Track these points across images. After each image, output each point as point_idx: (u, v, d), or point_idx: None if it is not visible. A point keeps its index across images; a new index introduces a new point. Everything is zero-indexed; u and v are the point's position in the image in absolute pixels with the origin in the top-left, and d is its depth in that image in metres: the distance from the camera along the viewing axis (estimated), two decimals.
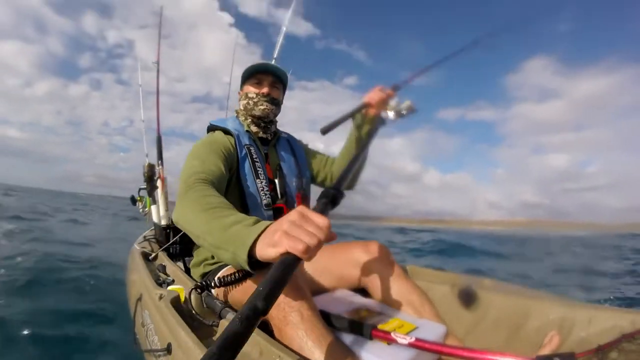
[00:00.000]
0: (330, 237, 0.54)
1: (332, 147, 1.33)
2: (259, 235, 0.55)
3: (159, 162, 2.30)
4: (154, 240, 2.12)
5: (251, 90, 1.10)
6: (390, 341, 0.64)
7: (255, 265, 0.57)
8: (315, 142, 1.36)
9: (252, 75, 1.11)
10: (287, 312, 0.63)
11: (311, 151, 1.28)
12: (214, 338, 0.73)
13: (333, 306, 0.85)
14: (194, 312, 0.82)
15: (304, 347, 0.60)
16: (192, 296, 0.84)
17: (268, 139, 1.14)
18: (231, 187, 0.98)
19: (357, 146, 1.16)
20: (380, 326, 0.72)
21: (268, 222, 0.58)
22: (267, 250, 0.53)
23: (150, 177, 2.27)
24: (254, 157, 1.03)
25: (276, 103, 1.11)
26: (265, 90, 1.08)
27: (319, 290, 1.00)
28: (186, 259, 1.81)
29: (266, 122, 1.12)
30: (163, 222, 2.11)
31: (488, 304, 1.01)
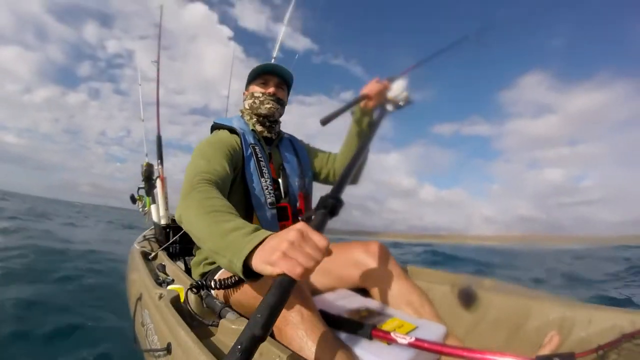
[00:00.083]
0: (328, 255, 0.54)
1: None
2: (256, 246, 0.55)
3: (159, 161, 2.30)
4: (153, 239, 2.12)
5: (257, 90, 1.11)
6: (390, 341, 0.64)
7: (251, 274, 0.57)
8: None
9: (259, 75, 1.12)
10: (287, 312, 0.63)
11: (313, 149, 1.29)
12: (214, 338, 0.73)
13: (333, 306, 0.85)
14: (191, 311, 0.82)
15: (304, 347, 0.60)
16: (190, 296, 0.84)
17: (272, 138, 1.15)
18: (236, 186, 0.99)
19: (358, 140, 1.17)
20: (380, 326, 0.72)
21: (266, 233, 0.58)
22: (263, 267, 0.53)
23: (149, 177, 2.27)
24: (259, 156, 1.04)
25: (281, 103, 1.13)
26: (271, 90, 1.10)
27: (319, 290, 1.00)
28: (186, 258, 1.81)
29: (271, 121, 1.13)
30: (163, 222, 2.11)
31: (488, 304, 1.01)
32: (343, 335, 0.70)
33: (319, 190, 1.24)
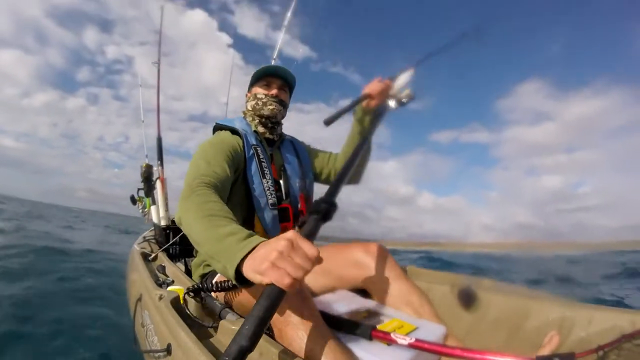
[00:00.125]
0: (318, 264, 0.54)
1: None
2: (248, 253, 0.56)
3: (159, 163, 2.29)
4: (153, 240, 2.12)
5: (260, 91, 1.12)
6: (390, 342, 0.64)
7: (244, 281, 0.57)
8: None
9: (262, 77, 1.13)
10: (287, 312, 0.63)
11: (314, 150, 1.30)
12: (214, 339, 0.73)
13: (333, 307, 0.85)
14: (189, 313, 0.82)
15: (304, 348, 0.60)
16: (187, 299, 0.84)
17: (274, 140, 1.15)
18: (237, 186, 0.99)
19: (360, 139, 1.17)
20: (380, 327, 0.72)
21: (259, 240, 0.58)
22: (253, 275, 0.53)
23: (148, 177, 2.26)
24: (261, 157, 1.04)
25: (284, 105, 1.14)
26: (274, 91, 1.11)
27: (318, 291, 1.00)
28: (187, 259, 1.81)
29: (273, 122, 1.13)
30: (163, 223, 2.11)
31: (488, 304, 1.01)
32: (343, 336, 0.70)
33: (321, 191, 1.25)
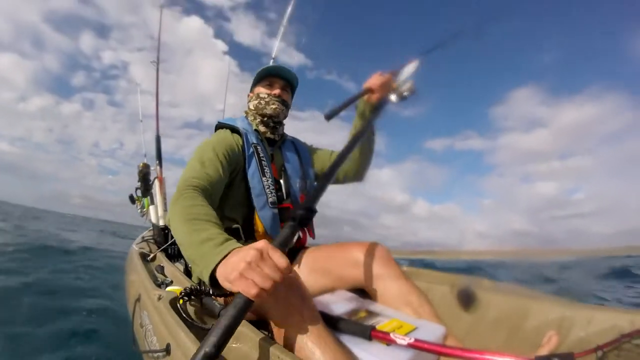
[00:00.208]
0: (287, 274, 0.55)
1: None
2: (222, 259, 0.57)
3: (157, 162, 2.28)
4: (152, 240, 2.12)
5: (263, 91, 1.12)
6: (390, 342, 0.64)
7: (220, 286, 0.58)
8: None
9: (264, 77, 1.14)
10: (286, 312, 0.63)
11: (315, 149, 1.30)
12: None
13: (332, 307, 0.85)
14: (187, 314, 0.82)
15: (304, 348, 0.59)
16: (182, 302, 0.84)
17: (275, 139, 1.15)
18: (237, 185, 0.99)
19: (357, 134, 1.17)
20: (379, 327, 0.71)
21: (232, 246, 0.59)
22: (224, 283, 0.55)
23: (144, 177, 2.24)
24: (261, 155, 1.05)
25: (286, 105, 1.15)
26: (276, 91, 1.12)
27: (318, 291, 0.99)
28: (185, 259, 1.80)
29: (275, 122, 1.14)
30: (161, 223, 2.10)
31: (487, 304, 1.01)
32: (342, 337, 0.70)
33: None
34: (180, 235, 0.68)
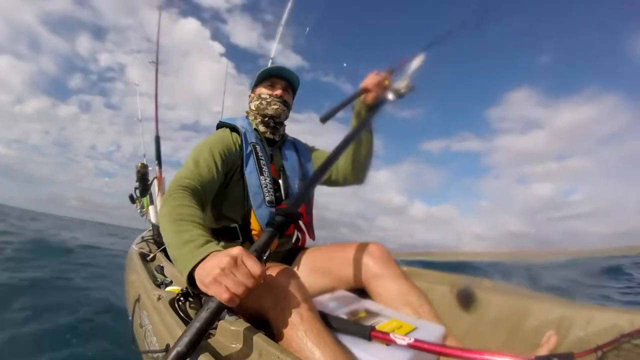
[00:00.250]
0: (260, 281, 0.57)
1: None
2: (201, 261, 0.59)
3: (157, 162, 2.28)
4: (151, 240, 2.11)
5: (264, 91, 1.12)
6: (389, 342, 0.64)
7: (197, 287, 0.60)
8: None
9: (266, 78, 1.14)
10: (286, 312, 0.63)
11: (316, 150, 1.29)
12: (213, 339, 0.73)
13: (332, 307, 0.85)
14: (187, 314, 0.82)
15: (304, 348, 0.60)
16: (182, 302, 0.84)
17: (275, 140, 1.15)
18: (235, 184, 0.99)
19: (350, 134, 1.16)
20: (379, 327, 0.71)
21: (210, 249, 0.61)
22: (200, 285, 0.57)
23: (143, 177, 2.23)
24: (259, 154, 1.04)
25: (287, 105, 1.14)
26: (278, 92, 1.12)
27: (318, 291, 0.99)
28: None
29: (276, 122, 1.14)
30: None
31: (487, 304, 1.01)
32: (342, 337, 0.70)
33: (322, 191, 1.24)
34: (166, 234, 0.70)
